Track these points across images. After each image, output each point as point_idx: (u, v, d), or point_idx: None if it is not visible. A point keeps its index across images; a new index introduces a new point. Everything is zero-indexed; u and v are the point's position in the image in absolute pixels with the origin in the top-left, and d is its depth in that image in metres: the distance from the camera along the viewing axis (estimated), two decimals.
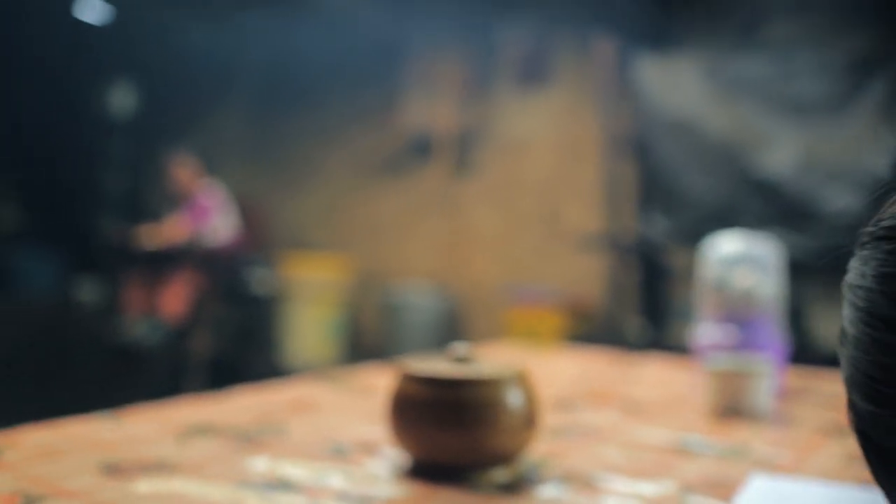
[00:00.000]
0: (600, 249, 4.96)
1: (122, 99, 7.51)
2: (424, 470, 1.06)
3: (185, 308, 5.07)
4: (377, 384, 1.69)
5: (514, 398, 1.04)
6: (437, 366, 1.09)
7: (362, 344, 6.04)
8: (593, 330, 4.86)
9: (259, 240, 6.23)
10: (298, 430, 1.29)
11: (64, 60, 6.71)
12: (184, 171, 5.10)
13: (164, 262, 5.07)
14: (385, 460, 1.13)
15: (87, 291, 7.16)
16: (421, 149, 5.83)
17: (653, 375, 1.98)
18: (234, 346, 5.69)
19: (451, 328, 5.57)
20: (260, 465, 1.09)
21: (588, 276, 5.14)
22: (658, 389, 1.79)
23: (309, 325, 5.83)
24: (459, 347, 1.13)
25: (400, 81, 5.90)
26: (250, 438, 1.23)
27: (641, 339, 4.39)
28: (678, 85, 4.48)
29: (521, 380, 1.07)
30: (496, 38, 5.58)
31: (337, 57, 5.75)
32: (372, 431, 1.29)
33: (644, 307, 4.67)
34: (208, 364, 5.23)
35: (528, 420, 1.05)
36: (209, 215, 5.10)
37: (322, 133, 6.38)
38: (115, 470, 1.04)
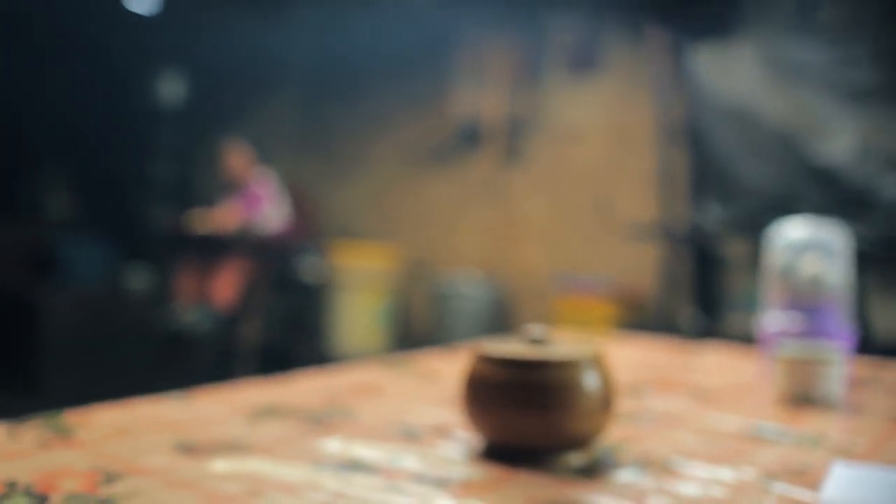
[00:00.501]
0: (652, 239, 4.91)
1: (172, 88, 7.57)
2: (499, 453, 1.05)
3: (236, 295, 5.10)
4: (439, 369, 1.68)
5: (591, 381, 1.02)
6: (512, 347, 1.07)
7: (410, 332, 6.05)
8: (645, 320, 4.81)
9: (309, 228, 6.25)
10: (367, 413, 1.28)
11: (115, 51, 6.77)
12: (237, 158, 5.13)
13: (216, 249, 5.10)
14: (457, 443, 1.12)
15: (138, 279, 7.24)
16: (470, 137, 5.80)
17: (715, 364, 1.95)
18: (284, 333, 5.72)
19: (499, 317, 5.55)
20: (333, 446, 1.08)
21: (640, 265, 5.09)
22: (723, 377, 1.76)
23: (357, 313, 5.84)
24: (535, 329, 1.11)
25: (449, 69, 5.88)
26: (319, 420, 1.22)
27: (694, 329, 4.34)
28: (733, 71, 4.41)
29: (598, 362, 1.05)
30: (547, 25, 5.54)
31: (387, 45, 5.75)
32: (440, 415, 1.28)
33: (697, 297, 4.62)
34: (258, 351, 5.26)
35: (605, 403, 1.03)
36: (261, 203, 5.13)
37: (371, 121, 6.38)
38: (189, 449, 1.04)
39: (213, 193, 5.64)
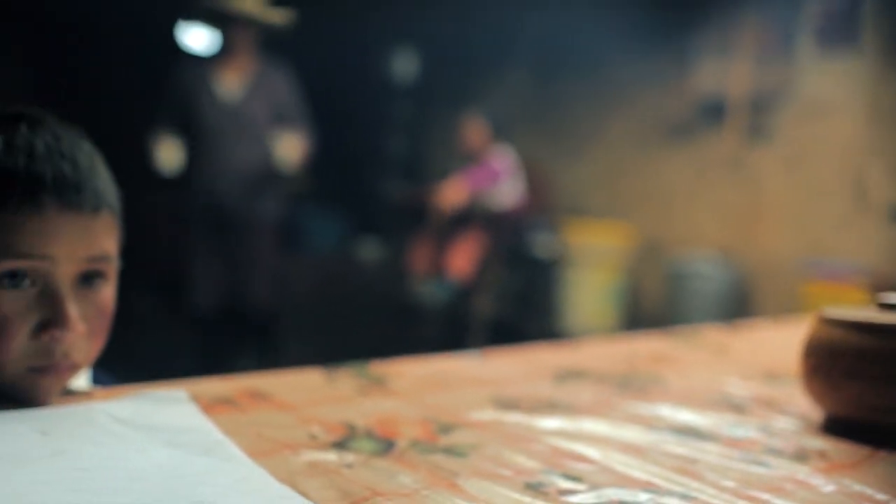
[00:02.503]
0: None
1: (406, 65, 7.72)
2: (845, 428, 0.95)
3: (471, 269, 5.13)
4: (727, 343, 1.58)
5: None
6: (865, 313, 0.96)
7: (641, 312, 5.90)
8: None
9: (541, 205, 6.21)
10: (674, 380, 1.21)
11: (350, 27, 6.95)
12: (475, 132, 5.14)
13: (453, 223, 5.14)
14: (789, 416, 1.02)
15: (370, 250, 7.46)
16: (713, 113, 5.57)
17: None
18: (515, 308, 5.72)
19: (738, 300, 5.31)
20: (659, 411, 1.02)
21: None
22: None
23: (588, 291, 5.76)
24: (891, 294, 1.00)
25: (693, 43, 5.66)
26: (626, 385, 1.16)
27: None
28: None
29: None
30: None
31: (625, 18, 5.60)
32: (755, 386, 1.19)
33: None
34: (489, 325, 5.28)
35: None
36: (499, 178, 5.12)
37: (606, 98, 6.25)
38: (510, 405, 1.01)
39: (450, 167, 5.68)
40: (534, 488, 0.71)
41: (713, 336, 1.66)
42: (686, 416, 1.00)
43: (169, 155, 3.77)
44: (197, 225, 4.00)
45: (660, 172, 5.93)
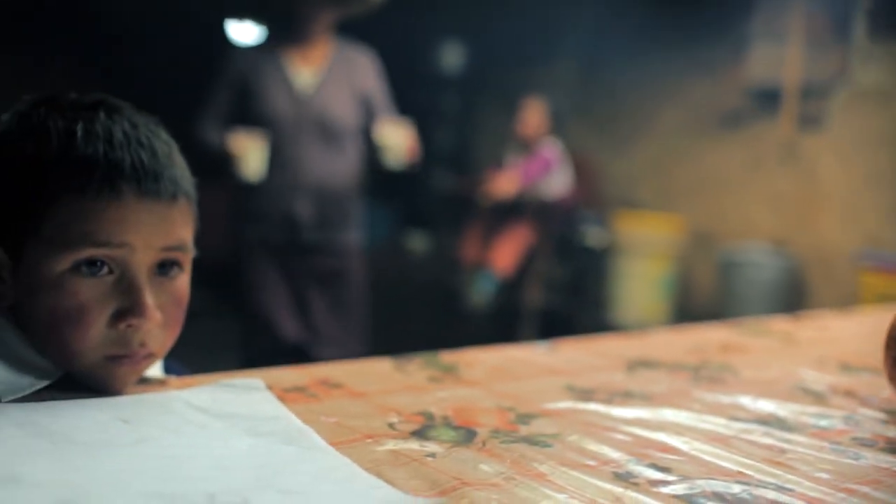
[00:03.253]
0: None
1: (453, 56, 7.70)
2: None
3: (519, 260, 5.11)
4: (791, 332, 1.55)
5: None
6: None
7: (692, 303, 5.84)
8: None
9: (590, 196, 6.16)
10: (747, 371, 1.18)
11: (397, 20, 6.94)
12: (536, 117, 5.10)
13: (502, 213, 5.12)
14: (872, 407, 1.00)
15: (418, 242, 7.47)
16: (765, 100, 5.48)
17: None
18: (564, 299, 5.69)
19: (791, 292, 5.23)
20: (739, 400, 0.99)
21: None
22: None
23: (639, 282, 5.71)
24: None
25: (746, 31, 5.58)
26: (700, 374, 1.14)
27: None
28: None
29: None
30: None
31: (675, 5, 5.53)
32: (831, 377, 1.16)
33: None
34: (538, 316, 5.25)
35: None
36: (550, 168, 5.09)
37: (656, 88, 6.17)
38: (585, 395, 0.99)
39: (500, 155, 5.63)
40: (623, 479, 0.70)
41: (779, 326, 1.63)
42: (768, 406, 0.97)
43: (254, 156, 2.92)
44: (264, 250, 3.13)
45: (711, 162, 5.86)
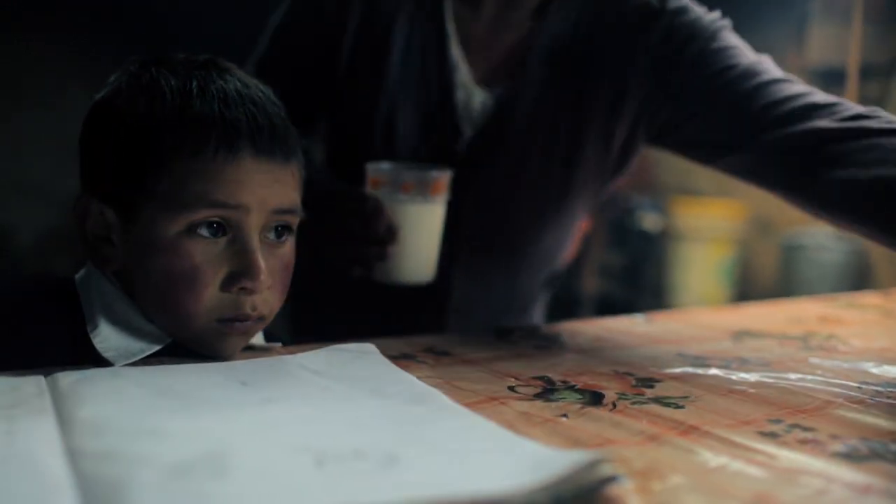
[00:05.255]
0: None
1: None
2: None
3: (577, 246, 5.06)
4: (888, 307, 1.50)
5: None
6: None
7: (753, 288, 5.74)
8: None
9: (646, 183, 6.08)
10: (856, 340, 1.14)
11: None
12: None
13: None
14: None
15: None
16: (827, 81, 5.36)
17: None
18: (621, 285, 5.63)
19: (856, 275, 5.12)
20: (863, 366, 0.96)
21: None
22: None
23: (697, 267, 5.63)
24: None
25: (808, 12, 5.47)
26: (809, 343, 1.10)
27: None
28: None
29: None
30: None
31: None
32: None
33: None
34: (595, 302, 5.20)
35: None
36: None
37: None
38: (699, 360, 0.96)
39: None
40: (772, 437, 0.66)
41: (870, 300, 1.58)
42: (893, 371, 0.93)
43: None
44: None
45: None
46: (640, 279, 5.79)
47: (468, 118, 1.20)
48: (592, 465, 0.51)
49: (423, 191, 1.05)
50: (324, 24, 1.22)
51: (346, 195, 1.08)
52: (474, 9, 1.20)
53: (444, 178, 1.08)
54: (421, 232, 1.07)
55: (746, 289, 5.75)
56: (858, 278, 5.11)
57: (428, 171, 1.07)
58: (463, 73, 1.20)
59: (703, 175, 6.17)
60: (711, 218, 5.61)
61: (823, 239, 5.13)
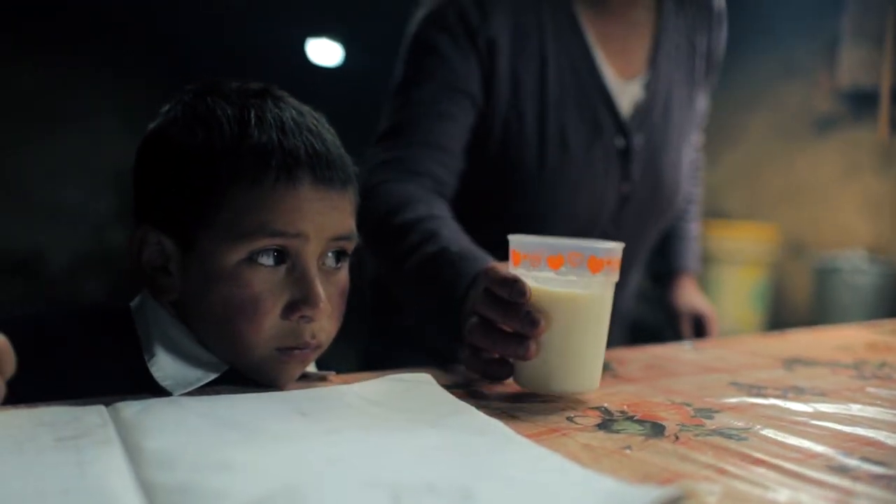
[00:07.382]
0: None
1: None
2: None
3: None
4: None
5: None
6: None
7: (786, 311, 5.69)
8: None
9: None
10: None
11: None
12: None
13: None
14: None
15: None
16: (860, 104, 5.34)
17: None
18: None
19: (893, 299, 5.07)
20: None
21: None
22: None
23: (730, 291, 5.58)
24: None
25: (838, 32, 5.44)
26: (863, 371, 1.09)
27: None
28: None
29: None
30: None
31: (766, 10, 5.42)
32: None
33: None
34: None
35: None
36: None
37: (743, 94, 6.05)
38: (754, 389, 0.95)
39: None
40: (842, 471, 0.65)
41: None
42: None
43: None
44: None
45: (804, 168, 5.72)
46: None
47: (626, 113, 1.36)
48: (673, 501, 0.50)
49: (583, 270, 0.83)
50: (475, 64, 1.27)
51: (496, 279, 0.86)
52: (601, 10, 1.36)
53: (615, 252, 0.85)
54: (578, 326, 0.84)
55: (780, 312, 5.71)
56: (892, 303, 5.06)
57: (593, 243, 0.84)
58: (609, 71, 1.35)
59: (733, 197, 6.15)
60: (743, 241, 5.57)
61: (858, 262, 5.08)
